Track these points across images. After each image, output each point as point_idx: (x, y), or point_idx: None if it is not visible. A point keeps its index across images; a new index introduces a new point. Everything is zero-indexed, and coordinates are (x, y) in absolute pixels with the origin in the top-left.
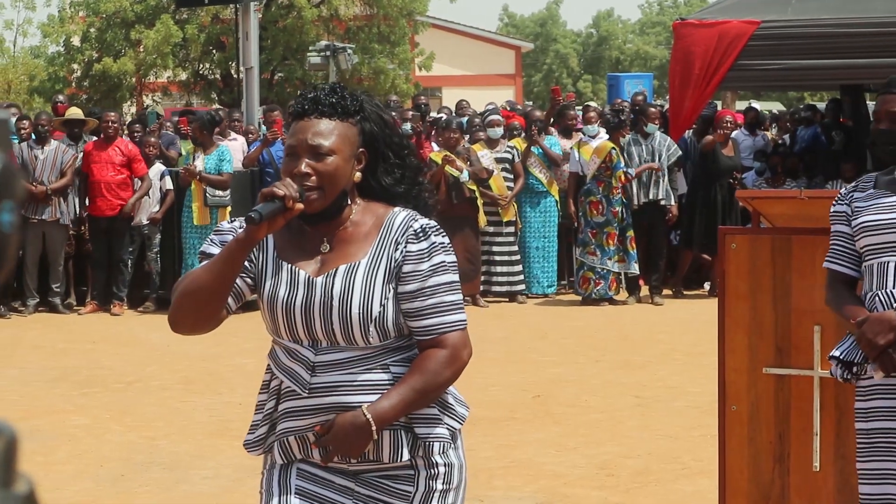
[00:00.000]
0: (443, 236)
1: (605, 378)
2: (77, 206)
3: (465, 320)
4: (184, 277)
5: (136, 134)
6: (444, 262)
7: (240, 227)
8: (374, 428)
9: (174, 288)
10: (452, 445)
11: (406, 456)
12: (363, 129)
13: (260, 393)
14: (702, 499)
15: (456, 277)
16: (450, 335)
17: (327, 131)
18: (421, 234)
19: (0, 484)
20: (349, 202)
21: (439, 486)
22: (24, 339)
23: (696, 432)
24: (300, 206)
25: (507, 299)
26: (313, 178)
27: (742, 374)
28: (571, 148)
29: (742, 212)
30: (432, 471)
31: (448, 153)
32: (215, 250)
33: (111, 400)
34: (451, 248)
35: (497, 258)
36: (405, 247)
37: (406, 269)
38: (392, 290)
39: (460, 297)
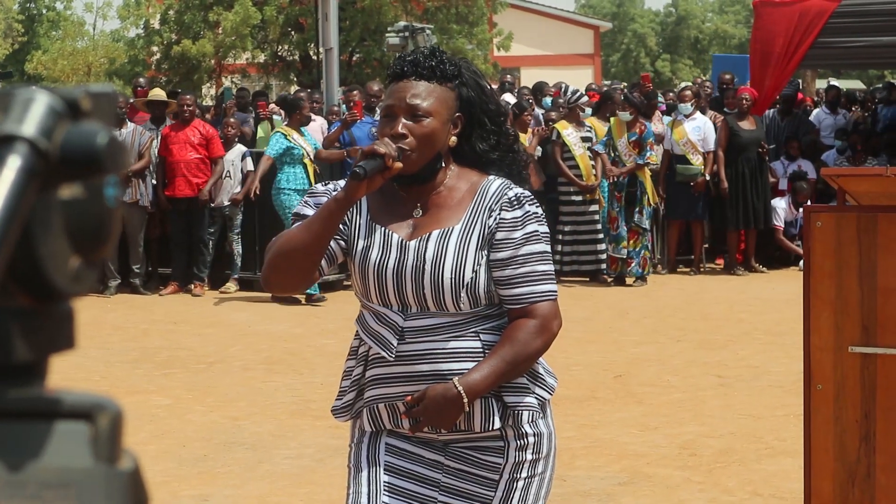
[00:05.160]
0: (536, 206)
1: (687, 357)
2: (151, 190)
3: (555, 291)
4: (278, 237)
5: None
6: (537, 231)
7: (334, 190)
8: (465, 400)
9: (268, 248)
10: (541, 415)
11: (497, 424)
12: (460, 95)
13: (348, 359)
14: (785, 478)
15: (548, 248)
16: (540, 305)
17: (425, 93)
18: (515, 203)
19: (105, 460)
20: (443, 166)
21: (529, 457)
22: (105, 320)
23: (779, 412)
24: (399, 164)
25: (588, 279)
26: (409, 139)
27: (827, 352)
28: (667, 125)
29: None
30: (521, 441)
31: (531, 132)
32: (309, 212)
33: (193, 380)
34: (544, 219)
35: (583, 237)
36: (499, 214)
37: (499, 236)
38: (484, 257)
39: (552, 267)
